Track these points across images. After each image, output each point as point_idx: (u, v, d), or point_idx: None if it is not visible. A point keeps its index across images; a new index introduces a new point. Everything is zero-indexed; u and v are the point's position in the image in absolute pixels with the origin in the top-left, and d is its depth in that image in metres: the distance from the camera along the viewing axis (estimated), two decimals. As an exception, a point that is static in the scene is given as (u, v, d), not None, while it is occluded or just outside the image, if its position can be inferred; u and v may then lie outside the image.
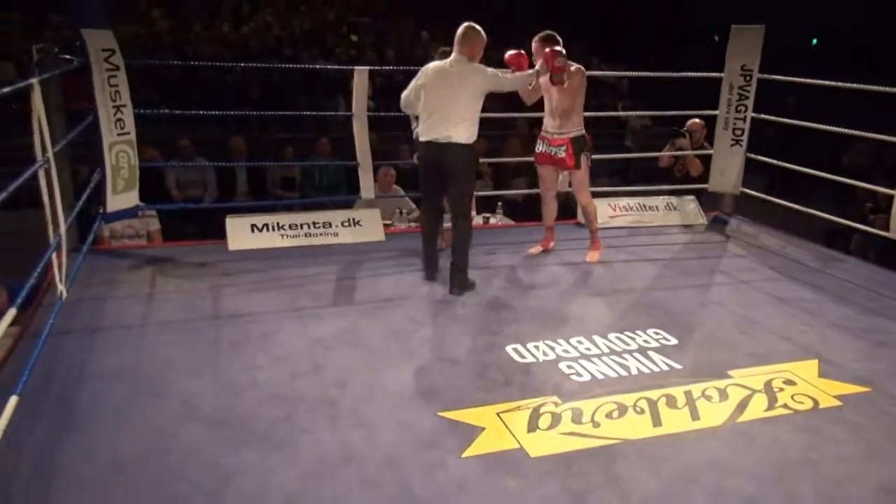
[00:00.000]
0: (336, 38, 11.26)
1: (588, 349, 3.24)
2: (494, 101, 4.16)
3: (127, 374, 2.87)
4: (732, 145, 5.32)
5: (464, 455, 2.41)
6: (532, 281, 4.14)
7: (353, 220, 4.77)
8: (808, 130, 5.02)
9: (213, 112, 5.83)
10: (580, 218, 5.30)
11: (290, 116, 8.26)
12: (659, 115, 7.96)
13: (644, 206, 5.43)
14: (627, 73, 8.47)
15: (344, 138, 5.38)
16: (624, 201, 5.43)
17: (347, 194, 5.33)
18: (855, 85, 4.59)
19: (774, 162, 5.35)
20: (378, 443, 2.48)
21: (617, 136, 9.85)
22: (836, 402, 2.85)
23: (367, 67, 4.96)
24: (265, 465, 2.34)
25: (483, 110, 3.87)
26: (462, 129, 3.75)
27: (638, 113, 9.37)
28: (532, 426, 2.61)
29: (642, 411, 2.74)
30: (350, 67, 4.89)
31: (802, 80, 5.03)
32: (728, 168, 5.37)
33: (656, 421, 2.68)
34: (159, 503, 2.17)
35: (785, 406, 2.81)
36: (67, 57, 3.95)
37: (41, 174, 3.10)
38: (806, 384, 2.98)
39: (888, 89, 4.36)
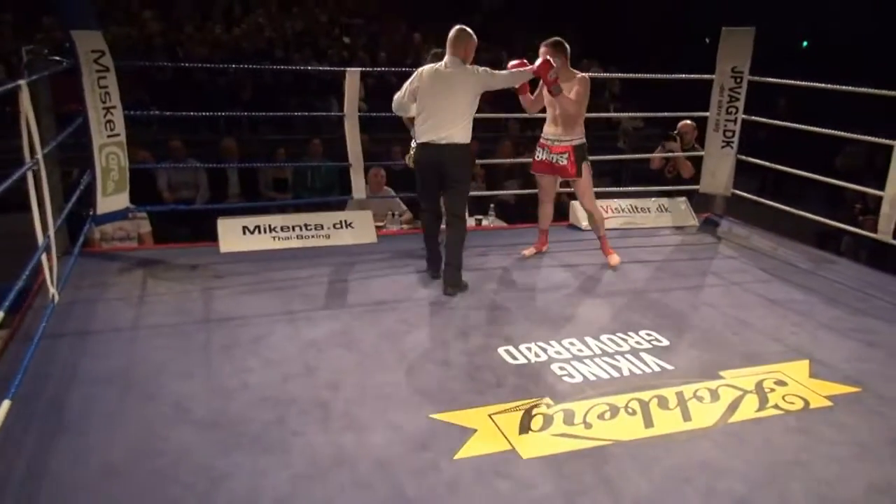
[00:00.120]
0: (328, 39, 11.25)
1: (580, 350, 3.24)
2: (485, 103, 4.17)
3: (119, 378, 2.86)
4: (723, 147, 5.34)
5: (456, 457, 2.41)
6: (524, 283, 4.15)
7: (345, 222, 4.76)
8: (799, 132, 5.05)
9: (204, 113, 5.81)
10: (572, 219, 5.32)
11: (281, 118, 8.26)
12: (651, 116, 8.00)
13: (636, 208, 5.45)
14: (618, 75, 8.49)
15: (336, 139, 5.38)
16: (616, 203, 5.45)
17: (340, 195, 5.32)
18: (845, 87, 4.61)
19: (765, 164, 5.38)
20: (370, 445, 2.47)
21: (609, 138, 9.87)
22: (827, 403, 2.86)
23: (359, 69, 4.96)
24: (257, 467, 2.33)
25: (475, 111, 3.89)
26: (459, 129, 3.80)
27: (630, 115, 9.40)
28: (524, 428, 2.61)
29: (634, 412, 2.74)
30: (342, 69, 4.89)
31: (792, 82, 5.06)
32: (719, 170, 5.39)
33: (648, 422, 2.68)
34: (150, 507, 2.16)
35: (776, 406, 2.82)
36: (57, 58, 3.93)
37: (30, 176, 3.08)
38: (797, 385, 3.00)
39: (879, 91, 4.40)
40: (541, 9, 13.16)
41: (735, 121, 5.26)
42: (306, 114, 7.84)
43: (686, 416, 2.73)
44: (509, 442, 2.51)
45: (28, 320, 3.31)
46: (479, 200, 5.85)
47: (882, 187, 4.39)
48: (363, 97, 7.14)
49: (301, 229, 4.64)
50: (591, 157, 4.43)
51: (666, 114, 5.77)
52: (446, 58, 3.84)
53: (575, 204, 5.29)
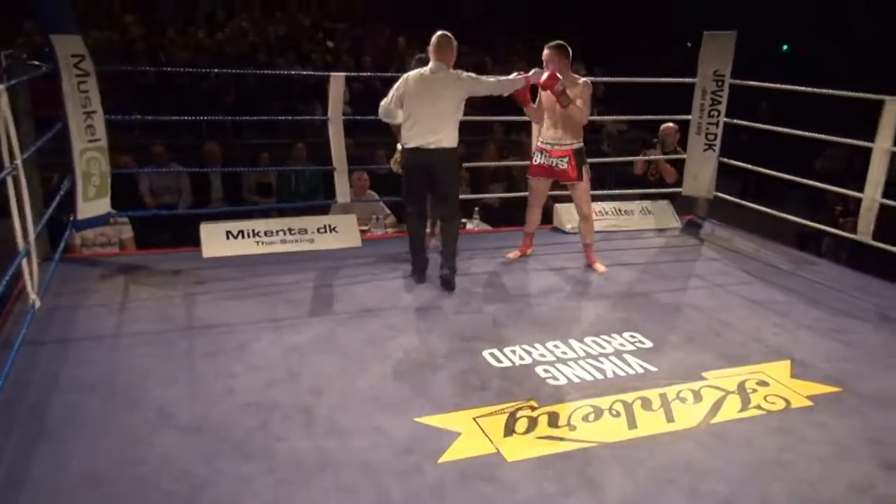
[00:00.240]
0: (312, 44, 11.23)
1: (564, 353, 3.25)
2: (470, 107, 4.18)
3: (101, 385, 2.83)
4: (705, 150, 5.39)
5: (440, 461, 2.41)
6: (508, 286, 4.16)
7: (330, 226, 4.75)
8: (781, 135, 5.10)
9: (187, 118, 5.77)
10: (556, 222, 5.34)
11: (265, 122, 8.22)
12: (634, 119, 8.04)
13: (619, 211, 5.48)
14: (603, 79, 8.53)
15: (320, 144, 5.36)
16: (599, 206, 5.46)
17: (324, 199, 5.30)
18: (825, 90, 4.67)
19: (747, 166, 5.43)
20: (354, 449, 2.47)
21: (593, 141, 9.92)
22: (808, 403, 2.89)
23: (343, 73, 4.95)
24: (240, 473, 2.32)
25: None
26: (448, 133, 3.86)
27: (614, 118, 9.45)
28: (509, 430, 2.61)
29: (618, 414, 2.76)
30: (326, 74, 4.88)
31: (773, 85, 5.12)
32: (701, 172, 5.44)
33: (632, 423, 2.70)
34: (131, 514, 2.14)
35: (758, 407, 2.84)
36: (36, 63, 3.89)
37: (9, 182, 3.05)
38: (778, 385, 3.03)
39: (857, 94, 4.46)
40: (523, 13, 13.22)
41: (717, 124, 5.30)
42: (290, 118, 7.81)
43: (669, 418, 2.75)
44: (494, 445, 2.51)
45: (8, 327, 3.27)
46: (464, 204, 5.83)
47: (862, 189, 4.46)
48: (348, 101, 7.13)
49: (285, 234, 4.62)
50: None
51: (649, 117, 5.82)
52: (431, 63, 3.87)
53: (559, 207, 5.31)
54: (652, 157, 5.77)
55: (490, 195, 6.61)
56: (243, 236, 4.53)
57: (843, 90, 4.56)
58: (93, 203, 4.18)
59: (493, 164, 6.73)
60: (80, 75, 3.93)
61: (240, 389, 2.84)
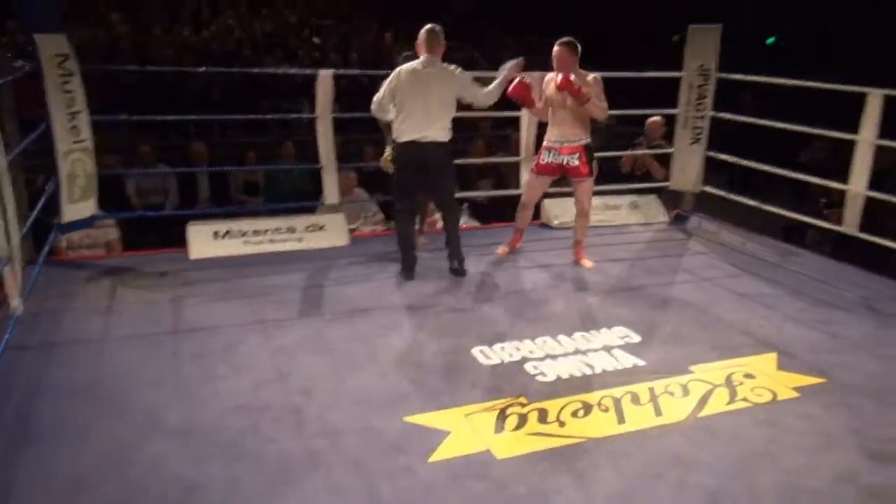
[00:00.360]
0: (298, 40, 11.17)
1: (553, 349, 3.26)
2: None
3: (86, 389, 2.82)
4: (692, 143, 5.41)
5: (430, 459, 2.42)
6: (496, 282, 4.16)
7: (318, 225, 4.74)
8: (766, 128, 5.13)
9: (173, 117, 5.72)
10: (544, 218, 5.34)
11: (252, 120, 8.18)
12: (622, 114, 8.03)
13: (607, 206, 5.50)
14: (592, 74, 8.56)
15: (308, 142, 5.34)
16: (587, 200, 5.47)
17: (313, 199, 5.28)
18: (810, 83, 4.71)
19: (733, 160, 5.45)
20: (344, 449, 2.47)
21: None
22: (794, 394, 2.92)
23: (331, 70, 4.93)
24: (230, 475, 2.32)
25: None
26: (442, 127, 3.89)
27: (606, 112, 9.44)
28: (499, 428, 2.62)
29: (607, 409, 2.77)
30: (314, 71, 4.86)
31: (759, 78, 5.14)
32: (688, 166, 5.46)
33: (621, 418, 2.71)
34: (121, 519, 2.13)
35: (745, 399, 2.87)
36: (20, 63, 3.85)
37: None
38: (765, 377, 3.05)
39: (841, 87, 4.48)
40: (512, 9, 13.20)
41: (703, 117, 5.33)
42: (278, 116, 7.77)
43: (658, 412, 2.76)
44: (484, 443, 2.52)
45: (-8, 332, 3.25)
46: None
47: (845, 179, 4.49)
48: (336, 98, 7.10)
49: (273, 233, 4.60)
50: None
51: (636, 111, 5.83)
52: (423, 57, 3.87)
53: (547, 203, 5.31)
54: (639, 153, 5.79)
55: (480, 193, 6.59)
56: (231, 236, 4.51)
57: (828, 83, 4.58)
58: (78, 205, 4.15)
59: (479, 160, 6.72)
60: (65, 75, 3.89)
61: (229, 391, 2.83)
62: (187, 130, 8.12)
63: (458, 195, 6.05)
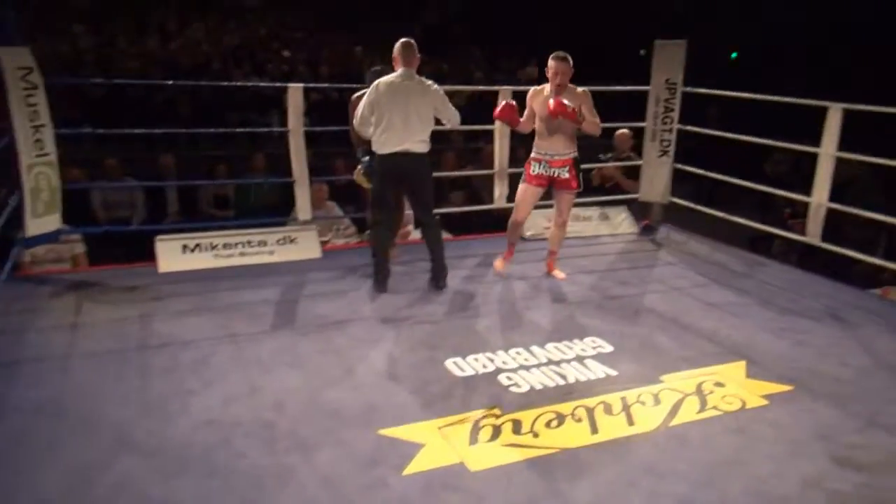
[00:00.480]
0: (267, 53, 11.13)
1: (526, 360, 3.27)
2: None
3: (51, 407, 2.75)
4: (660, 156, 5.50)
5: (404, 472, 2.40)
6: (470, 294, 4.17)
7: (289, 238, 4.70)
8: (730, 140, 5.23)
9: (140, 130, 5.64)
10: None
11: (221, 133, 8.12)
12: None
13: (578, 217, 5.54)
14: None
15: (279, 154, 5.32)
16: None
17: (284, 213, 5.25)
18: (773, 97, 4.82)
19: (700, 171, 5.55)
20: (317, 464, 2.44)
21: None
22: (763, 402, 2.96)
23: (301, 85, 4.92)
24: (200, 493, 2.27)
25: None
26: (421, 140, 3.92)
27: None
28: (473, 439, 2.62)
29: (580, 419, 2.79)
30: (284, 85, 4.84)
31: (724, 92, 5.25)
32: (657, 178, 5.55)
33: (594, 428, 2.73)
34: (87, 540, 2.08)
35: (715, 408, 2.90)
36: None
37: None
38: (734, 385, 3.10)
39: (802, 101, 4.59)
40: (480, 22, 13.33)
41: (671, 130, 5.43)
42: (248, 130, 7.71)
43: (630, 421, 2.79)
44: (458, 455, 2.51)
45: (-47, 350, 3.16)
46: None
47: (808, 192, 4.60)
48: (306, 111, 7.08)
49: (244, 246, 4.56)
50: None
51: (606, 124, 5.89)
52: (401, 70, 3.89)
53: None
54: (609, 165, 5.86)
55: (455, 208, 6.60)
56: (200, 250, 4.46)
57: (788, 96, 4.70)
58: (42, 219, 4.07)
59: (452, 173, 6.74)
60: (28, 88, 3.84)
61: (199, 406, 2.79)
62: (155, 143, 8.02)
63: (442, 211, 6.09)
